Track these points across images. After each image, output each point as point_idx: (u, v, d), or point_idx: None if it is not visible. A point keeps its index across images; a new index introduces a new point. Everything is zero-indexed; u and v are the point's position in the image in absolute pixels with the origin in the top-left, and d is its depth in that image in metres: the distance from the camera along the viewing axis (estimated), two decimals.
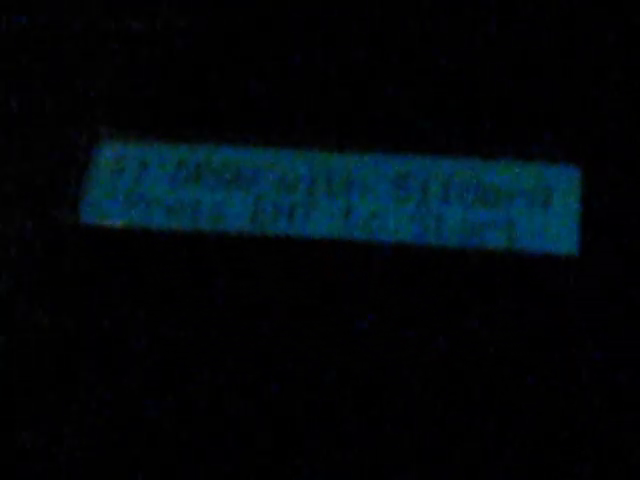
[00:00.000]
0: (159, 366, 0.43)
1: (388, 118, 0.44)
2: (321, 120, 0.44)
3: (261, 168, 0.45)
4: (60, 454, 0.44)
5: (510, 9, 0.49)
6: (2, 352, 0.44)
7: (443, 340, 0.41)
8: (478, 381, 0.41)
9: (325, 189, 0.44)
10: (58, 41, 0.51)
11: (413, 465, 0.42)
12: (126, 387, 0.43)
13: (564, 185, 0.42)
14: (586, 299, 0.41)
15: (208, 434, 0.43)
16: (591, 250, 0.41)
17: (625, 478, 0.41)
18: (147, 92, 0.46)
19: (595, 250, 0.41)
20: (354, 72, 0.45)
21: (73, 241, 0.45)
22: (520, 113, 0.43)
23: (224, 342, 0.42)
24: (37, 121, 0.47)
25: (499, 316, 0.42)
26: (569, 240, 0.41)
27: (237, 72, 0.45)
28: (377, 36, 0.45)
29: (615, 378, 0.41)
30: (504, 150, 0.43)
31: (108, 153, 0.45)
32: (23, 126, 0.48)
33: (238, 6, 0.47)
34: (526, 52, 0.46)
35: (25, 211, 0.46)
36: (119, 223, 0.44)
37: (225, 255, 0.43)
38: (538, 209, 0.42)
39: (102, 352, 0.43)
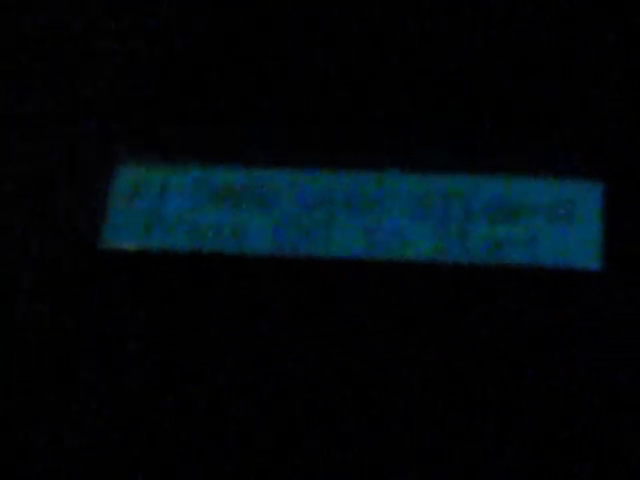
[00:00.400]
0: (175, 385, 0.43)
1: (406, 137, 0.44)
2: (339, 140, 0.44)
3: (281, 189, 0.45)
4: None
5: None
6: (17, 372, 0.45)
7: (467, 355, 0.41)
8: (499, 399, 0.41)
9: (345, 209, 0.44)
10: (75, 63, 0.51)
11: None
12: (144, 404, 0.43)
13: (587, 200, 0.42)
14: (610, 315, 0.41)
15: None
16: (615, 266, 0.41)
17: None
18: (166, 114, 0.47)
19: (619, 266, 0.41)
20: (372, 92, 0.45)
21: (94, 265, 0.45)
22: (541, 128, 0.43)
23: (244, 362, 0.43)
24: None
25: (523, 331, 0.42)
26: (592, 256, 0.41)
27: (257, 94, 0.45)
28: (394, 56, 0.45)
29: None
30: (525, 165, 0.43)
31: (127, 176, 0.46)
32: (38, 148, 0.49)
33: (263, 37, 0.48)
34: (545, 67, 0.46)
35: (44, 235, 0.47)
36: (139, 246, 0.45)
37: (247, 276, 0.43)
38: (560, 225, 0.42)
39: (124, 371, 0.43)
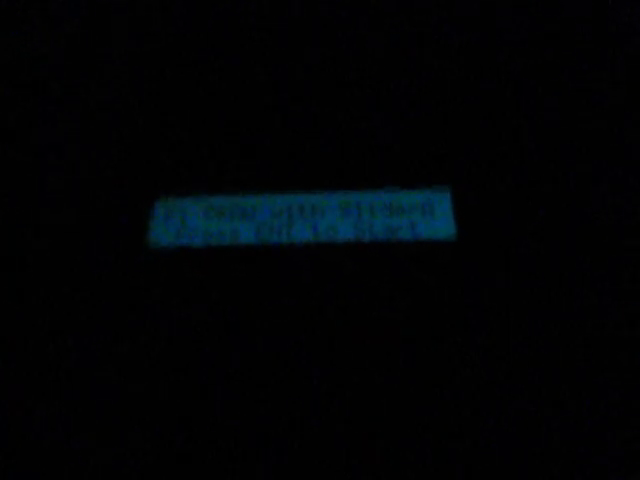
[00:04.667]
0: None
1: (333, 170, 0.72)
2: (293, 172, 0.72)
3: (259, 206, 0.72)
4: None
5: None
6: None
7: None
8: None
9: (299, 215, 0.71)
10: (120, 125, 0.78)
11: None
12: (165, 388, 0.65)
13: (442, 200, 0.70)
14: (464, 270, 0.67)
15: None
16: (463, 238, 0.68)
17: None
18: (186, 162, 0.74)
19: (465, 238, 0.68)
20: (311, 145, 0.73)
21: (141, 260, 0.71)
22: (406, 156, 0.71)
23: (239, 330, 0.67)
24: (116, 182, 0.73)
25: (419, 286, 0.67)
26: (450, 232, 0.68)
27: (242, 151, 0.73)
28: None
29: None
30: (402, 180, 0.71)
31: (162, 204, 0.73)
32: (109, 187, 0.74)
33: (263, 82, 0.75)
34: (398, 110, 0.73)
35: (106, 243, 0.71)
36: (173, 245, 0.71)
37: (241, 260, 0.69)
38: (428, 215, 0.69)
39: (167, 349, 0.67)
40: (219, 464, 0.57)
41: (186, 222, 0.72)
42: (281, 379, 0.62)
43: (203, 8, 0.81)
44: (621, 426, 0.55)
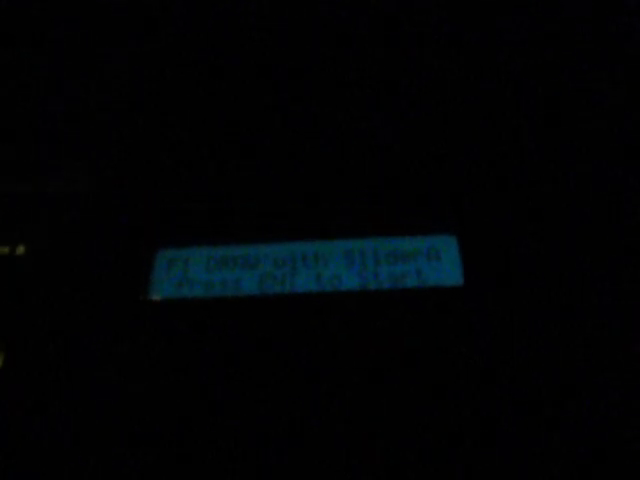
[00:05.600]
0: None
1: (337, 218, 0.71)
2: (296, 221, 0.71)
3: (261, 255, 0.71)
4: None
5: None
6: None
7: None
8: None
9: (302, 264, 0.69)
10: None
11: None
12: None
13: (449, 246, 0.68)
14: (472, 316, 0.66)
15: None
16: (470, 283, 0.66)
17: None
18: (187, 212, 0.73)
19: (472, 283, 0.66)
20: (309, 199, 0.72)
21: (142, 312, 0.69)
22: (414, 202, 0.70)
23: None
24: (117, 233, 0.73)
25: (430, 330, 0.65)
26: (457, 277, 0.67)
27: (244, 201, 0.72)
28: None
29: None
30: (408, 227, 0.69)
31: (164, 255, 0.72)
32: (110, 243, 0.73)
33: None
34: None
35: (108, 294, 0.70)
36: (173, 297, 0.69)
37: (244, 311, 0.68)
38: (435, 261, 0.68)
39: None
40: None
41: (188, 273, 0.70)
42: (285, 429, 0.61)
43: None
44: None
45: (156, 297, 0.69)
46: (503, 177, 0.69)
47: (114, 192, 0.74)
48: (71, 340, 0.68)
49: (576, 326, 0.63)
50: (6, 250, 0.76)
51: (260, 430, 0.61)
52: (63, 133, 0.81)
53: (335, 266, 0.69)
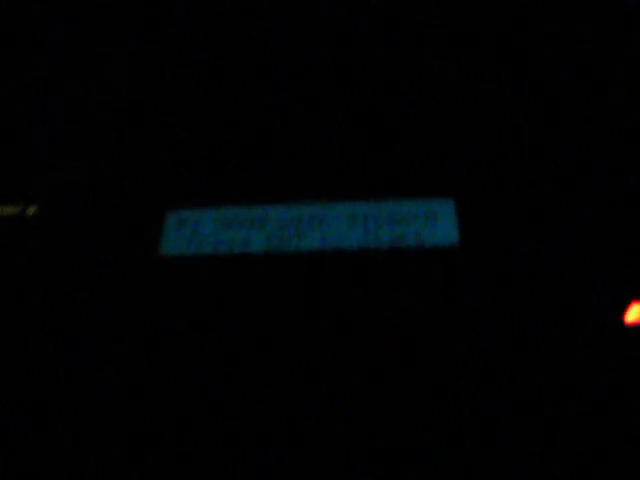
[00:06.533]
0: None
1: (341, 182, 0.75)
2: (302, 184, 0.75)
3: (268, 217, 0.74)
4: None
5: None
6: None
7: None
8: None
9: (308, 225, 0.73)
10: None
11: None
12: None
13: (446, 209, 0.73)
14: (466, 273, 0.70)
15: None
16: (465, 243, 0.71)
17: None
18: (197, 175, 0.76)
19: (467, 243, 0.71)
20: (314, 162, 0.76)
21: (155, 267, 0.72)
22: (413, 168, 0.74)
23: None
24: (138, 197, 0.76)
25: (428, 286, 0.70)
26: (453, 237, 0.71)
27: (253, 164, 0.76)
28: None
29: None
30: (408, 191, 0.74)
31: (174, 216, 0.75)
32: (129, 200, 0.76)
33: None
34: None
35: (124, 249, 0.73)
36: (184, 253, 0.72)
37: (252, 267, 0.71)
38: (431, 223, 0.72)
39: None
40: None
41: (197, 232, 0.74)
42: (287, 382, 0.64)
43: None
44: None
45: (167, 253, 0.72)
46: (498, 145, 0.74)
47: (128, 158, 0.77)
48: (90, 289, 0.70)
49: (568, 284, 0.68)
50: (16, 211, 0.79)
51: (262, 382, 0.64)
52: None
53: (338, 227, 0.73)
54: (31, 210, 0.78)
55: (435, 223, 0.72)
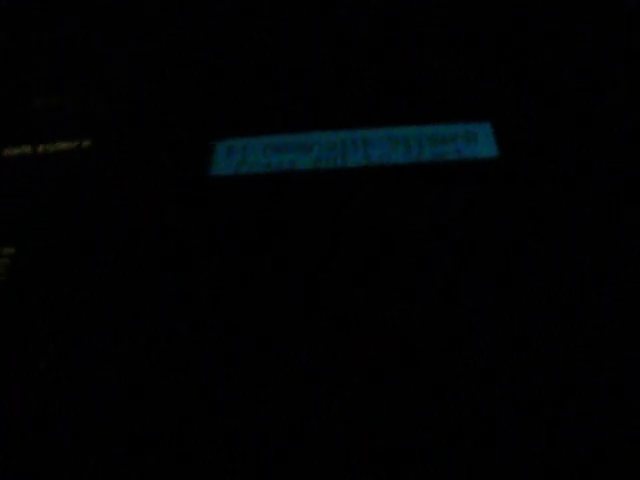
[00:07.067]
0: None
1: (384, 111, 0.78)
2: (343, 114, 0.78)
3: (313, 142, 0.78)
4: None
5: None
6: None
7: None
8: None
9: (352, 147, 0.76)
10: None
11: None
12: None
13: (485, 130, 0.76)
14: (506, 185, 0.73)
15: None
16: (503, 155, 0.74)
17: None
18: (245, 107, 0.80)
19: (505, 155, 0.74)
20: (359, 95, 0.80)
21: (207, 187, 0.75)
22: (456, 92, 0.78)
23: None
24: (188, 128, 0.79)
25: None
26: (492, 150, 0.74)
27: (298, 94, 0.80)
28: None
29: None
30: (449, 115, 0.77)
31: (225, 143, 0.78)
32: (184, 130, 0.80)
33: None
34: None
35: (174, 171, 0.77)
36: (234, 174, 0.76)
37: (300, 184, 0.74)
38: (473, 143, 0.75)
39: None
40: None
41: (246, 157, 0.77)
42: (326, 298, 0.66)
43: None
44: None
45: (218, 174, 0.76)
46: (534, 73, 0.77)
47: (180, 90, 0.81)
48: (147, 207, 0.74)
49: (597, 203, 0.70)
50: (74, 145, 0.83)
51: (302, 297, 0.66)
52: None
53: (382, 148, 0.76)
54: (86, 144, 0.82)
55: (475, 143, 0.75)
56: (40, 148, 0.83)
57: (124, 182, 0.77)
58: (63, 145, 0.82)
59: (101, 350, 0.62)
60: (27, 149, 0.83)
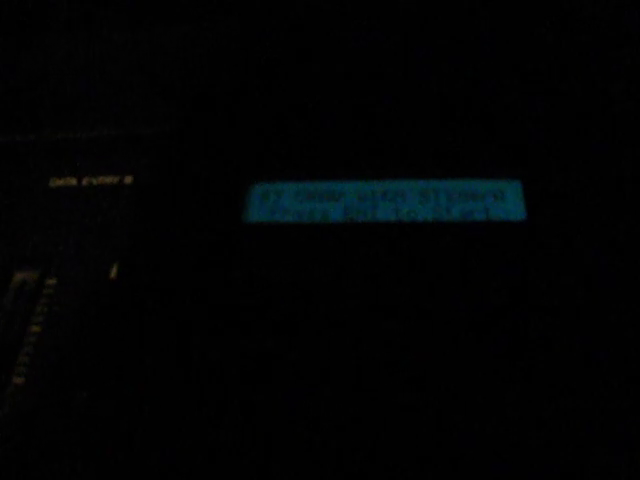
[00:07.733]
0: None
1: (415, 162, 0.80)
2: (376, 165, 0.80)
3: (345, 191, 0.80)
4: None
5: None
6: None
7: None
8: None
9: (382, 199, 0.79)
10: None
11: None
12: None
13: (514, 189, 0.77)
14: (534, 248, 0.74)
15: None
16: (532, 219, 0.75)
17: None
18: (276, 158, 0.83)
19: (535, 219, 0.75)
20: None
21: (239, 234, 0.78)
22: (485, 150, 0.79)
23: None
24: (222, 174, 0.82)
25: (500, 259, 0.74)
26: (520, 214, 0.75)
27: (332, 144, 0.82)
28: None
29: None
30: (478, 171, 0.78)
31: (259, 188, 0.81)
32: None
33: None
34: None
35: (209, 220, 0.80)
36: (267, 221, 0.78)
37: (331, 236, 0.77)
38: (500, 201, 0.76)
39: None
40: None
41: (279, 203, 0.80)
42: (361, 347, 0.69)
43: None
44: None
45: (251, 221, 0.78)
46: (566, 129, 0.78)
47: (216, 133, 0.84)
48: (178, 256, 0.77)
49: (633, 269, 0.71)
50: (116, 180, 0.86)
51: (337, 346, 0.69)
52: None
53: (412, 202, 0.78)
54: (129, 179, 0.86)
55: (504, 201, 0.76)
56: (85, 181, 0.87)
57: (160, 224, 0.81)
58: (107, 179, 0.86)
59: None
60: (72, 181, 0.87)
